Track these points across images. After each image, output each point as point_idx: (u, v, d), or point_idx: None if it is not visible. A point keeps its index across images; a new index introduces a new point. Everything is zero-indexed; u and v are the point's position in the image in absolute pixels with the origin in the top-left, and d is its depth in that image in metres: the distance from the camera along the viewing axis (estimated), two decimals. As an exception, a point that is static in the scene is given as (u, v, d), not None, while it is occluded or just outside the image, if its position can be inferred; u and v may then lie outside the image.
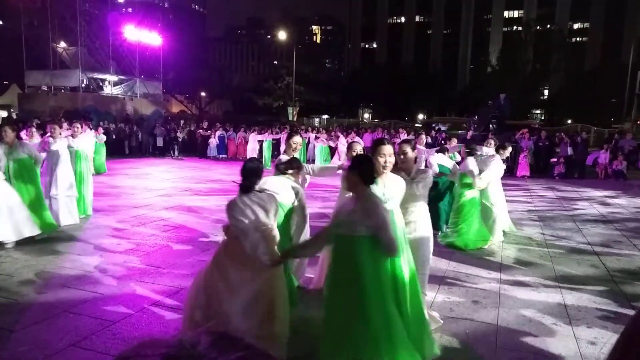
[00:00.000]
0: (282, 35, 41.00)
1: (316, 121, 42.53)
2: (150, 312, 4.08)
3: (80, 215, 7.47)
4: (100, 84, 27.61)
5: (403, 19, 73.88)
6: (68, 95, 25.61)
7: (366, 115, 55.09)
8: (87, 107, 24.24)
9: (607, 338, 3.80)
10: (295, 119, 35.80)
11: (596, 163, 16.82)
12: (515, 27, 58.26)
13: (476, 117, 22.19)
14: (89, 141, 8.82)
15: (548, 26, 49.74)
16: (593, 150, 18.39)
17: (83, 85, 25.70)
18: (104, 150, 14.58)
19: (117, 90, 27.69)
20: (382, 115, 46.88)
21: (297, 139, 4.75)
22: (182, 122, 26.89)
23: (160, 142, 21.08)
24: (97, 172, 13.15)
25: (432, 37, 71.10)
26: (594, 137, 24.87)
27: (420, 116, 50.51)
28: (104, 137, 15.14)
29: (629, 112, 27.04)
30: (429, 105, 49.12)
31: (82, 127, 8.86)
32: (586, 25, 61.75)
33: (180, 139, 21.17)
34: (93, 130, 14.48)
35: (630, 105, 27.01)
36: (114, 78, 27.64)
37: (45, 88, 25.88)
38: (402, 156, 3.85)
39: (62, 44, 26.85)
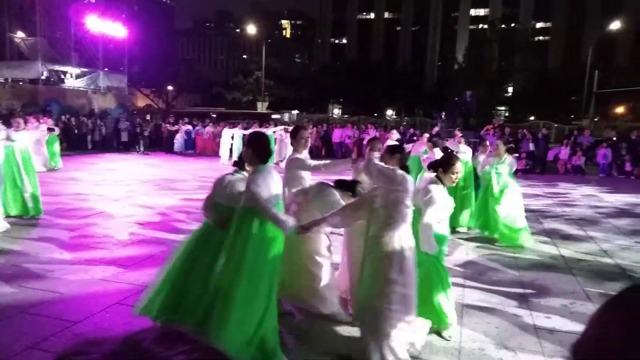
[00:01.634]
0: (251, 29, 40.58)
1: (286, 116, 42.36)
2: (114, 311, 3.98)
3: (25, 215, 7.08)
4: (62, 76, 26.63)
5: (372, 15, 74.30)
6: (27, 87, 24.61)
7: (336, 111, 55.23)
8: (48, 100, 23.36)
9: (564, 325, 3.95)
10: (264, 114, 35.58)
11: (557, 158, 17.41)
12: (481, 26, 59.45)
13: (443, 113, 22.61)
14: (34, 136, 8.31)
15: (512, 25, 50.96)
16: (554, 146, 19.01)
17: (43, 78, 24.74)
18: (56, 144, 13.46)
19: (79, 83, 26.76)
20: (352, 111, 47.12)
21: (305, 133, 4.48)
22: (147, 116, 26.28)
23: (125, 136, 20.54)
24: (50, 168, 12.70)
25: (401, 34, 71.80)
26: (555, 134, 25.70)
27: (389, 112, 51.00)
28: (57, 130, 14.13)
29: (587, 110, 28.09)
30: (398, 101, 49.66)
31: (38, 120, 8.54)
32: (548, 25, 63.61)
33: (146, 134, 20.70)
34: (51, 123, 13.95)
35: (589, 103, 28.05)
36: (76, 70, 26.70)
37: (1, 80, 24.79)
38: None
39: (20, 34, 25.76)
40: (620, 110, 42.99)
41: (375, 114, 46.66)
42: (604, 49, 44.42)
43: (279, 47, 49.51)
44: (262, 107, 36.71)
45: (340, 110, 55.88)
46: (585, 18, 57.55)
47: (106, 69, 27.89)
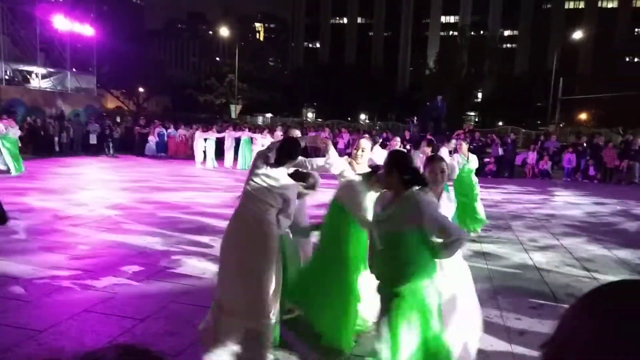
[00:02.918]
0: (224, 31, 40.26)
1: (260, 119, 42.17)
2: (81, 319, 3.86)
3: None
4: (27, 76, 25.80)
5: (345, 20, 74.89)
6: (-11, 87, 23.72)
7: (310, 115, 55.34)
8: (11, 101, 22.56)
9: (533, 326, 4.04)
10: (237, 117, 35.31)
11: (524, 163, 17.89)
12: (451, 32, 60.70)
13: (415, 119, 22.95)
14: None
15: (481, 32, 52.24)
16: (522, 151, 19.53)
17: (6, 77, 23.90)
18: (15, 145, 12.71)
19: (46, 84, 25.95)
20: (326, 114, 47.29)
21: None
22: (117, 118, 25.70)
23: (93, 139, 20.01)
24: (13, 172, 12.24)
25: (373, 38, 72.58)
26: (522, 139, 26.44)
27: (363, 116, 51.43)
28: (18, 132, 13.29)
29: (553, 116, 28.99)
30: (371, 105, 50.13)
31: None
32: (515, 32, 65.44)
33: (115, 136, 20.23)
34: (15, 125, 13.46)
35: (554, 110, 28.98)
36: (42, 70, 25.88)
37: (-39, 79, 23.82)
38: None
39: (-18, 32, 24.83)
40: (583, 116, 44.55)
41: (349, 118, 46.97)
42: (568, 57, 46.02)
43: (252, 50, 49.22)
44: (235, 110, 36.43)
45: (314, 114, 56.04)
46: (550, 27, 59.45)
47: (74, 70, 27.16)
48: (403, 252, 2.67)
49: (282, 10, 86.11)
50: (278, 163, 3.17)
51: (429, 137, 10.18)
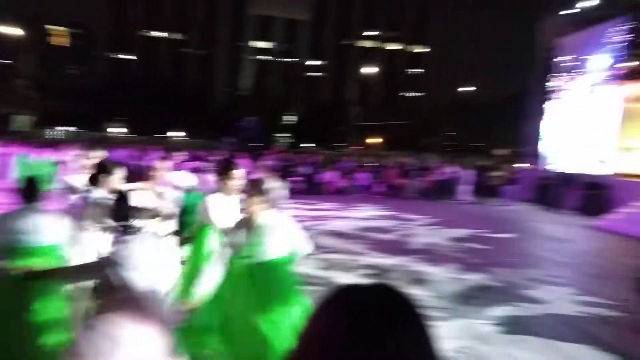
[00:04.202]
0: (6, 30, 35.14)
1: (60, 133, 37.75)
2: None
3: None
4: None
5: (159, 34, 72.48)
6: None
7: (119, 130, 51.71)
8: None
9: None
10: (29, 129, 31.05)
11: (327, 181, 20.20)
12: (265, 57, 64.07)
13: (230, 138, 23.75)
14: None
15: (291, 60, 56.60)
16: (324, 170, 21.93)
17: None
18: None
19: None
20: (137, 130, 44.93)
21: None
22: None
23: None
24: None
25: (188, 56, 71.78)
26: (325, 159, 29.50)
27: (177, 134, 50.30)
28: None
29: (350, 139, 33.21)
30: (185, 123, 49.40)
31: None
32: (321, 63, 72.45)
33: None
34: None
35: (352, 134, 33.27)
36: None
37: None
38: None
39: None
40: (376, 140, 51.60)
41: (162, 135, 45.48)
42: (363, 88, 53.09)
43: (48, 55, 43.95)
44: (25, 121, 31.94)
45: (125, 129, 52.58)
46: (349, 61, 67.49)
47: None
48: None
49: (89, 18, 78.70)
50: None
51: (230, 158, 10.85)
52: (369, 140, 47.30)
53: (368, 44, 70.65)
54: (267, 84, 44.83)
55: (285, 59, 54.05)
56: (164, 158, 4.59)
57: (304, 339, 0.67)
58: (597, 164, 17.50)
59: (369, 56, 63.99)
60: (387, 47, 70.78)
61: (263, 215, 2.95)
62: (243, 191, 3.04)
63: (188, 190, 4.80)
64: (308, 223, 10.96)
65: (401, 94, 54.92)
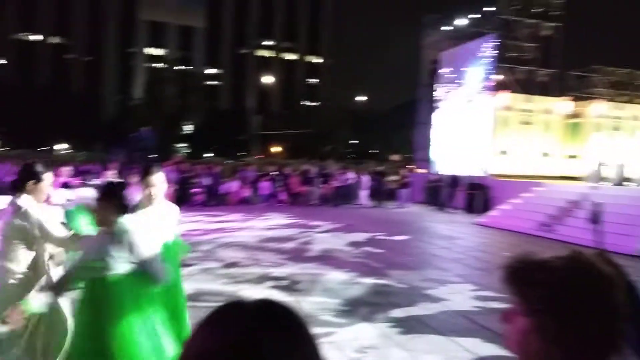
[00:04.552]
0: None
1: None
2: None
3: None
4: None
5: (36, 37, 66.01)
6: None
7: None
8: None
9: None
10: None
11: (229, 191, 19.85)
12: (158, 64, 61.29)
13: (122, 149, 22.30)
14: None
15: (187, 67, 54.82)
16: (226, 180, 21.54)
17: None
18: None
19: None
20: (14, 143, 40.43)
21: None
22: None
23: None
24: None
25: (73, 62, 66.26)
26: (227, 169, 28.98)
27: (62, 146, 46.16)
28: None
29: (252, 148, 33.00)
30: (71, 134, 45.50)
31: None
32: (218, 71, 71.05)
33: None
34: None
35: (253, 143, 33.09)
36: None
37: None
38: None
39: None
40: (278, 149, 51.86)
41: (44, 147, 41.47)
42: (263, 97, 53.17)
43: None
44: None
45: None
46: (246, 70, 67.13)
47: None
48: None
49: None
50: None
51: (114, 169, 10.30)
52: (270, 149, 47.40)
53: (266, 53, 70.90)
54: (162, 92, 42.84)
55: (180, 67, 52.23)
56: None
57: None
58: (477, 167, 19.33)
59: (267, 65, 64.29)
60: (285, 57, 71.65)
61: (117, 222, 2.73)
62: (96, 197, 2.83)
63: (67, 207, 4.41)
64: (211, 235, 10.71)
65: (301, 103, 55.98)
